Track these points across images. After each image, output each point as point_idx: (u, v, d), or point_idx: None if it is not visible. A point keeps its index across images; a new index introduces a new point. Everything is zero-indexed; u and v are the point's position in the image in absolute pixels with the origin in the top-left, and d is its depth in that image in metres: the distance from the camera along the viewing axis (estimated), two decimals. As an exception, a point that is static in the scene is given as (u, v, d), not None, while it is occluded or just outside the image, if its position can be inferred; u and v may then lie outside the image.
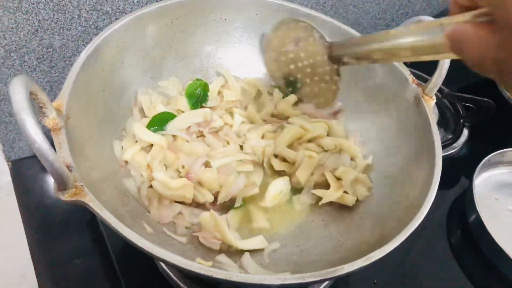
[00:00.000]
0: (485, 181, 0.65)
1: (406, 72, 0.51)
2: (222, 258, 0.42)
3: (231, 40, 0.57)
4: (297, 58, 0.47)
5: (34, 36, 0.60)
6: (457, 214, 0.62)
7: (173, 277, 0.49)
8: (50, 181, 0.67)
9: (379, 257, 0.35)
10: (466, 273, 0.58)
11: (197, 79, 0.54)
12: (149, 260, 0.51)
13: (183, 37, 0.54)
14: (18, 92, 0.31)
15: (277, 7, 0.55)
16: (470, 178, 0.62)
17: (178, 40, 0.54)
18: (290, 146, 0.53)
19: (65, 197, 0.34)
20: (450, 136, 0.70)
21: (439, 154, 0.43)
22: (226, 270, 0.34)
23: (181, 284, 0.48)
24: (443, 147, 0.69)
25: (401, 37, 0.34)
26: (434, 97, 0.49)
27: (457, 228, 0.61)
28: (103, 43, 0.46)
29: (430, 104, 0.48)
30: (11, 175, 0.68)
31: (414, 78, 0.50)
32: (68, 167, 0.35)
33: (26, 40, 0.59)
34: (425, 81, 0.49)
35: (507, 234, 0.59)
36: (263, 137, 0.53)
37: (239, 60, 0.58)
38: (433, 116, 0.47)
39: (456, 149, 0.70)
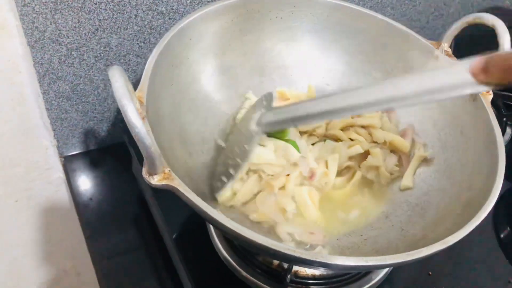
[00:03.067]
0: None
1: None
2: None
3: (286, 37, 0.59)
4: None
5: (93, 35, 0.62)
6: (505, 209, 0.63)
7: (235, 265, 0.50)
8: (100, 176, 0.69)
9: (455, 241, 0.36)
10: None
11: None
12: (208, 248, 0.52)
13: (241, 34, 0.56)
14: (117, 79, 0.33)
15: (333, 6, 0.57)
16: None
17: (236, 38, 0.56)
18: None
19: (155, 181, 0.36)
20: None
21: (501, 145, 0.44)
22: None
23: (243, 272, 0.49)
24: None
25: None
26: (491, 92, 0.50)
27: (505, 223, 0.62)
28: (171, 41, 0.48)
29: (488, 99, 0.49)
30: (63, 170, 0.70)
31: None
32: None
33: (86, 39, 0.62)
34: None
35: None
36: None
37: (296, 58, 0.60)
38: (492, 110, 0.48)
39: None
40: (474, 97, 0.50)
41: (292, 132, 0.52)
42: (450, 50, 0.54)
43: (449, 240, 0.36)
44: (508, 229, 0.62)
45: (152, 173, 0.35)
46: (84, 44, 0.62)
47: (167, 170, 0.36)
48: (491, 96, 0.49)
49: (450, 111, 0.53)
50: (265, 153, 0.49)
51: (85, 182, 0.69)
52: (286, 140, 0.51)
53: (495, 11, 1.04)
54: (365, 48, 0.58)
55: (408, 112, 0.57)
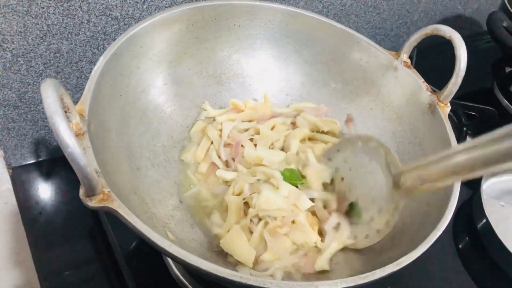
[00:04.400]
0: (490, 187, 0.66)
1: (420, 79, 0.52)
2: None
3: (244, 46, 0.57)
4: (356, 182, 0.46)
5: (42, 41, 0.59)
6: (464, 220, 0.63)
7: (185, 281, 0.48)
8: (51, 188, 0.66)
9: (408, 262, 0.35)
10: (475, 280, 0.58)
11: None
12: (160, 265, 0.50)
13: (197, 42, 0.54)
14: (49, 95, 0.31)
15: (292, 14, 0.55)
16: (475, 185, 0.63)
17: (192, 46, 0.54)
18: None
19: (93, 203, 0.33)
20: (454, 144, 0.71)
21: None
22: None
23: (193, 289, 0.47)
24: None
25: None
26: (449, 104, 0.49)
27: (465, 234, 0.62)
28: (121, 48, 0.45)
29: (445, 112, 0.48)
30: (11, 182, 0.66)
31: (428, 85, 0.51)
32: (96, 172, 0.34)
33: (34, 45, 0.58)
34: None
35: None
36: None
37: (254, 67, 0.58)
38: (449, 123, 0.47)
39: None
40: (433, 110, 0.49)
41: None
42: (409, 61, 0.53)
43: (402, 261, 0.35)
44: (467, 239, 0.62)
45: (89, 194, 0.33)
46: (31, 50, 0.59)
47: (106, 190, 0.34)
48: (448, 109, 0.49)
49: (409, 123, 0.52)
50: (276, 198, 0.45)
51: (35, 194, 0.65)
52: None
53: (457, 19, 1.06)
54: (325, 58, 0.57)
55: (366, 123, 0.56)
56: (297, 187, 0.48)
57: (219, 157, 0.51)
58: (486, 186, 0.66)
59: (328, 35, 0.56)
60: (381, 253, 0.42)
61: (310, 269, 0.42)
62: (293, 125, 0.55)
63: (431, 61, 0.87)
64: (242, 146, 0.50)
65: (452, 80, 0.48)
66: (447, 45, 0.50)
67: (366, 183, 0.45)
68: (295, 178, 0.49)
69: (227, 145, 0.51)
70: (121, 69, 0.46)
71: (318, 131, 0.55)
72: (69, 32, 0.60)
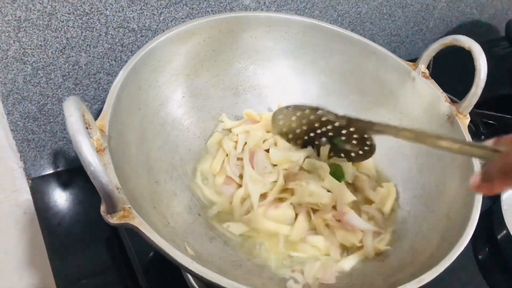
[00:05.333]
0: (510, 197, 0.65)
1: (439, 90, 0.51)
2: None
3: (260, 58, 0.57)
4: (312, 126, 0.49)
5: (61, 53, 0.59)
6: (484, 231, 0.62)
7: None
8: (69, 197, 0.67)
9: (430, 279, 0.34)
10: (496, 291, 0.57)
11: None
12: (176, 275, 0.50)
13: (214, 55, 0.54)
14: (72, 113, 0.31)
15: (308, 25, 0.55)
16: (495, 195, 0.62)
17: (209, 58, 0.54)
18: None
19: (114, 220, 0.33)
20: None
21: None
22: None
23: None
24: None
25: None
26: (468, 115, 0.49)
27: (485, 245, 0.61)
28: (139, 63, 0.46)
29: (465, 123, 0.48)
30: (31, 192, 0.67)
31: (446, 96, 0.51)
32: (117, 189, 0.35)
33: (53, 58, 0.59)
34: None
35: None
36: None
37: (270, 78, 0.58)
38: (468, 134, 0.47)
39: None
40: (452, 121, 0.49)
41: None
42: (427, 72, 0.53)
43: (424, 278, 0.34)
44: (487, 249, 0.61)
45: (110, 211, 0.33)
46: (51, 63, 0.59)
47: (127, 207, 0.34)
48: (468, 120, 0.48)
49: (428, 135, 0.52)
50: (321, 192, 0.47)
51: (54, 205, 0.66)
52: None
53: (473, 25, 1.05)
54: (341, 69, 0.57)
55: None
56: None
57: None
58: (507, 196, 0.65)
59: (344, 46, 0.56)
60: (401, 269, 0.42)
61: (329, 279, 0.42)
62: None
63: (447, 68, 0.86)
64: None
65: (472, 91, 0.47)
66: (463, 52, 0.49)
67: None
68: (339, 173, 0.50)
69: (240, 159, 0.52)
70: (139, 83, 0.47)
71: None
72: (87, 45, 0.60)
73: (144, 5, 0.61)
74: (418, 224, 0.47)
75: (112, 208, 0.33)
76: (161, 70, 0.49)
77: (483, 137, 0.73)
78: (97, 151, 0.36)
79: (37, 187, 0.67)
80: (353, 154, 0.51)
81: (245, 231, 0.45)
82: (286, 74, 0.58)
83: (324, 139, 0.51)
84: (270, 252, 0.45)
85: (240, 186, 0.49)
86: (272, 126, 0.52)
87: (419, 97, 0.53)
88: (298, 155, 0.51)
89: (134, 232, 0.47)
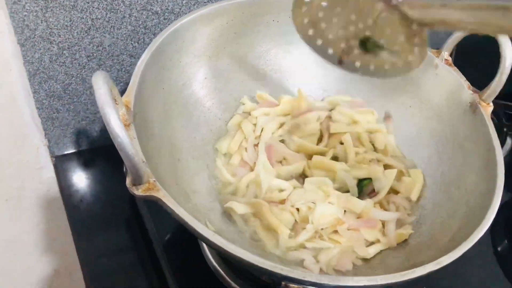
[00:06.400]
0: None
1: (462, 78, 0.51)
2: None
3: (282, 41, 0.57)
4: (351, 18, 0.38)
5: (86, 34, 0.61)
6: (503, 222, 0.62)
7: (224, 275, 0.49)
8: (91, 176, 0.68)
9: (448, 262, 0.35)
10: (513, 282, 0.57)
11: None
12: (196, 254, 0.51)
13: (236, 37, 0.55)
14: (100, 86, 0.32)
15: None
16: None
17: (232, 41, 0.54)
18: None
19: (139, 191, 0.34)
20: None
21: (501, 162, 0.43)
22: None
23: (233, 283, 0.48)
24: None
25: None
26: (492, 104, 0.48)
27: (504, 237, 0.60)
28: (164, 43, 0.47)
29: (488, 111, 0.47)
30: (54, 170, 0.69)
31: (470, 84, 0.50)
32: (142, 162, 0.35)
33: (78, 38, 0.60)
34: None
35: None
36: None
37: (292, 63, 0.58)
38: (491, 123, 0.46)
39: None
40: (474, 109, 0.48)
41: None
42: (450, 59, 0.52)
43: (443, 260, 0.35)
44: (506, 242, 0.60)
45: (136, 183, 0.34)
46: (76, 43, 0.61)
47: (152, 180, 0.35)
48: (491, 108, 0.48)
49: (449, 123, 0.51)
50: (329, 209, 0.46)
51: (76, 183, 0.68)
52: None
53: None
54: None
55: (404, 121, 0.55)
56: None
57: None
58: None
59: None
60: (419, 251, 0.42)
61: (345, 266, 0.42)
62: (329, 118, 0.55)
63: (471, 60, 0.85)
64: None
65: (496, 78, 0.47)
66: (488, 41, 0.48)
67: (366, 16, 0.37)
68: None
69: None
70: (163, 63, 0.47)
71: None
72: (111, 26, 0.61)
73: (167, -12, 0.62)
74: (437, 211, 0.47)
75: (138, 180, 0.34)
76: (184, 51, 0.50)
77: (505, 129, 0.72)
78: (124, 126, 0.38)
79: (61, 165, 0.69)
80: (388, 66, 0.39)
81: (247, 213, 0.45)
82: (307, 59, 0.58)
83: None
84: (272, 244, 0.44)
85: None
86: (294, 19, 0.42)
87: (441, 85, 0.52)
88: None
89: (154, 211, 0.48)
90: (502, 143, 0.70)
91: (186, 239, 0.53)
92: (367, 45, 0.40)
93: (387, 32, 0.38)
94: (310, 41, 0.43)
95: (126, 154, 0.32)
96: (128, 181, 0.34)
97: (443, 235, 0.42)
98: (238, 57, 0.56)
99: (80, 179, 0.68)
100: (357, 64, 0.41)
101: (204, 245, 0.51)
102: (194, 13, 0.50)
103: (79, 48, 0.61)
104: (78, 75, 0.63)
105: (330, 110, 0.56)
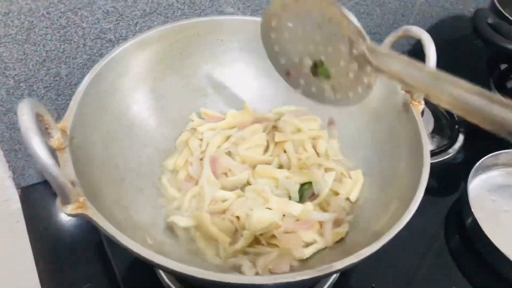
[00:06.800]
0: (481, 183, 0.66)
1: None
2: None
3: (228, 59, 0.60)
4: (314, 39, 0.40)
5: (42, 66, 0.63)
6: (455, 218, 0.63)
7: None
8: (57, 206, 0.69)
9: (368, 254, 0.36)
10: (466, 276, 0.58)
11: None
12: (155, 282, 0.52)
13: (181, 58, 0.57)
14: (24, 113, 0.34)
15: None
16: (465, 183, 0.63)
17: (177, 62, 0.57)
18: None
19: (69, 210, 0.36)
20: (446, 142, 0.71)
21: (427, 158, 0.44)
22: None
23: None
24: (439, 152, 0.71)
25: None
26: (423, 102, 0.50)
27: (455, 232, 0.62)
28: (104, 69, 0.49)
29: (418, 110, 0.49)
30: (21, 201, 0.70)
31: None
32: (72, 183, 0.37)
33: (34, 70, 0.63)
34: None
35: (504, 235, 0.59)
36: None
37: (236, 79, 0.61)
38: (421, 120, 0.48)
39: (451, 154, 0.71)
40: (407, 108, 0.50)
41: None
42: (385, 63, 0.54)
43: (362, 253, 0.36)
44: (457, 237, 0.62)
45: (65, 202, 0.36)
46: (32, 75, 0.63)
47: (81, 199, 0.37)
48: (422, 106, 0.50)
49: (387, 124, 0.53)
50: (266, 214, 0.47)
51: (43, 213, 0.69)
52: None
53: (456, 20, 1.06)
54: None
55: (347, 125, 0.57)
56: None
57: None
58: (476, 183, 0.66)
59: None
60: (354, 248, 0.43)
61: (282, 269, 0.43)
62: (276, 128, 0.57)
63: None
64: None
65: (423, 78, 0.49)
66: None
67: (327, 45, 0.40)
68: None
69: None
70: (105, 88, 0.50)
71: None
72: (66, 56, 0.64)
73: (119, 17, 0.64)
74: (373, 208, 0.48)
75: (67, 200, 0.36)
76: (127, 75, 0.52)
77: (457, 126, 0.74)
78: (57, 149, 0.40)
79: (27, 196, 0.70)
80: (327, 94, 0.43)
81: (189, 226, 0.46)
82: (253, 74, 0.61)
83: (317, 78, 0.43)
84: (212, 254, 0.46)
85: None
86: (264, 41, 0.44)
87: (379, 87, 0.54)
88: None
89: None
90: (454, 140, 0.71)
91: (144, 268, 0.54)
92: (317, 68, 0.43)
93: (341, 64, 0.40)
94: (268, 45, 0.46)
95: (50, 176, 0.34)
96: (58, 200, 0.36)
97: (375, 231, 0.43)
98: (185, 77, 0.58)
99: (48, 209, 0.69)
100: (301, 81, 0.45)
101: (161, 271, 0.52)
102: (132, 39, 0.52)
103: (36, 80, 0.64)
104: (38, 107, 0.66)
105: (277, 120, 0.58)
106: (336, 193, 0.52)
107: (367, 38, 0.39)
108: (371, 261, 0.53)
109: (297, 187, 0.51)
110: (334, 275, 0.53)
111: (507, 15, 0.70)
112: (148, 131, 0.54)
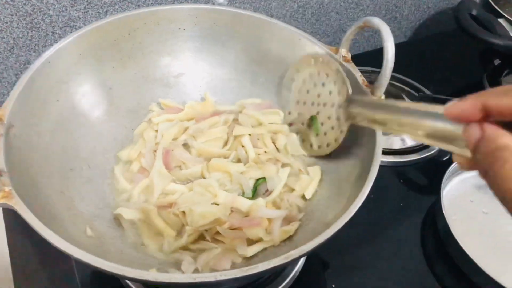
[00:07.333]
0: (460, 184, 0.63)
1: (357, 73, 0.51)
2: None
3: (190, 48, 0.58)
4: (318, 99, 0.51)
5: (10, 53, 0.63)
6: (431, 220, 0.61)
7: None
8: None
9: (295, 256, 0.34)
10: (439, 282, 0.55)
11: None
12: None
13: (141, 47, 0.56)
14: None
15: (233, 15, 0.56)
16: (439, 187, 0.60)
17: (137, 51, 0.56)
18: None
19: (-9, 200, 0.36)
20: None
21: (378, 156, 0.42)
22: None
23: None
24: (421, 149, 0.68)
25: (425, 118, 0.31)
26: (383, 97, 0.48)
27: (430, 235, 0.59)
28: (55, 55, 0.48)
29: (378, 101, 0.47)
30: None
31: (364, 79, 0.50)
32: (-1, 172, 0.37)
33: (3, 57, 0.63)
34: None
35: (478, 239, 0.56)
36: None
37: (200, 69, 0.59)
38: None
39: (435, 150, 0.68)
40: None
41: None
42: (349, 56, 0.52)
43: (290, 255, 0.34)
44: (432, 241, 0.59)
45: (-11, 191, 0.35)
46: (1, 62, 0.63)
47: (7, 189, 0.36)
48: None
49: (349, 119, 0.51)
50: (210, 210, 0.46)
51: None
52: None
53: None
54: (270, 59, 0.57)
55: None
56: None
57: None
58: (455, 183, 0.63)
59: (272, 35, 0.56)
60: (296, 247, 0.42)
61: (223, 266, 0.42)
62: (237, 121, 0.55)
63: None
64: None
65: (381, 72, 0.46)
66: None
67: (324, 100, 0.50)
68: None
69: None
70: (57, 75, 0.49)
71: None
72: (35, 44, 0.64)
73: (87, 4, 0.64)
74: (327, 206, 0.47)
75: (-9, 189, 0.35)
76: (83, 62, 0.51)
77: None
78: (-11, 138, 0.39)
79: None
80: (318, 147, 0.51)
81: (135, 218, 0.45)
82: (217, 64, 0.59)
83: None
84: (155, 248, 0.45)
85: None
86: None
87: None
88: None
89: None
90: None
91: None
92: (312, 123, 0.52)
93: (329, 119, 0.49)
94: (285, 89, 0.56)
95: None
96: (-17, 189, 0.35)
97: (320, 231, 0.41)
98: (145, 66, 0.57)
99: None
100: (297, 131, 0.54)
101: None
102: (90, 26, 0.51)
103: (6, 67, 0.64)
104: (9, 93, 0.66)
105: (238, 113, 0.56)
106: (292, 190, 0.50)
107: (350, 89, 0.47)
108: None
109: (252, 182, 0.49)
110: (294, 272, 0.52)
111: (495, 6, 0.66)
112: (105, 121, 0.53)
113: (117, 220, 0.47)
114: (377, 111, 0.39)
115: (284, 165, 0.51)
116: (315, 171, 0.50)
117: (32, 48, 0.64)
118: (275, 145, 0.53)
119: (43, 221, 0.35)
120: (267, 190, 0.50)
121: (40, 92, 0.46)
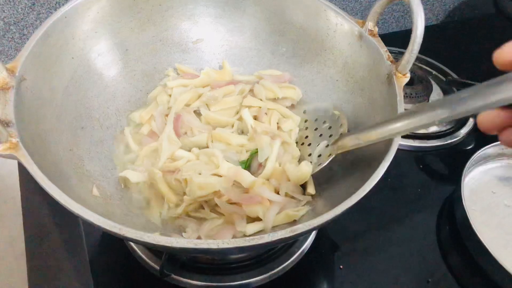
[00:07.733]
0: (483, 174, 0.61)
1: (383, 48, 0.48)
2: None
3: (212, 13, 0.57)
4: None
5: (31, 10, 0.62)
6: (449, 209, 0.58)
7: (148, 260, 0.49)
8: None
9: (303, 230, 0.33)
10: (453, 273, 0.53)
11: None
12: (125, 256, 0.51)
13: (161, 10, 0.54)
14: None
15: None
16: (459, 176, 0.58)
17: (156, 13, 0.54)
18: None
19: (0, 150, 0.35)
20: (453, 124, 0.66)
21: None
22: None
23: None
24: (444, 135, 0.66)
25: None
26: (408, 74, 0.45)
27: (446, 225, 0.57)
28: (72, 11, 0.47)
29: (401, 82, 0.44)
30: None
31: (389, 54, 0.47)
32: (7, 123, 0.36)
33: (24, 14, 0.62)
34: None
35: (497, 233, 0.54)
36: None
37: (220, 36, 0.58)
38: (401, 94, 0.44)
39: (458, 138, 0.65)
40: (390, 80, 0.46)
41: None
42: (375, 30, 0.49)
43: (296, 228, 0.33)
44: (447, 229, 0.57)
45: (-3, 141, 0.35)
46: (22, 19, 0.63)
47: (14, 140, 0.35)
48: (406, 79, 0.45)
49: (369, 95, 0.49)
50: (211, 181, 0.44)
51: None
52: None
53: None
54: (294, 29, 0.55)
55: (331, 95, 0.53)
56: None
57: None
58: (477, 173, 0.60)
59: (297, 4, 0.54)
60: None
61: (224, 237, 0.41)
62: (252, 91, 0.54)
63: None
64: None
65: (409, 48, 0.44)
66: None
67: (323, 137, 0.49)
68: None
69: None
70: (73, 32, 0.48)
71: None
72: (56, 2, 0.63)
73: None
74: (340, 185, 0.45)
75: (-2, 139, 0.35)
76: (101, 21, 0.50)
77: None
78: (1, 89, 0.39)
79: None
80: None
81: (140, 181, 0.45)
82: (238, 32, 0.57)
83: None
84: (156, 213, 0.44)
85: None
86: None
87: (365, 56, 0.50)
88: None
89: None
90: (463, 123, 0.66)
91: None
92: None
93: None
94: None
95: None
96: (-10, 138, 0.35)
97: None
98: (164, 30, 0.55)
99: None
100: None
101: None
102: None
103: (26, 24, 0.63)
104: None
105: (255, 83, 0.54)
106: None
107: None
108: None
109: (247, 155, 0.48)
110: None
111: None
112: (120, 82, 0.53)
113: (124, 182, 0.46)
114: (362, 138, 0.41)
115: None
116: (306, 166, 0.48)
117: (53, 6, 0.63)
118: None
119: (48, 176, 0.34)
120: (260, 164, 0.48)
121: (54, 47, 0.46)
